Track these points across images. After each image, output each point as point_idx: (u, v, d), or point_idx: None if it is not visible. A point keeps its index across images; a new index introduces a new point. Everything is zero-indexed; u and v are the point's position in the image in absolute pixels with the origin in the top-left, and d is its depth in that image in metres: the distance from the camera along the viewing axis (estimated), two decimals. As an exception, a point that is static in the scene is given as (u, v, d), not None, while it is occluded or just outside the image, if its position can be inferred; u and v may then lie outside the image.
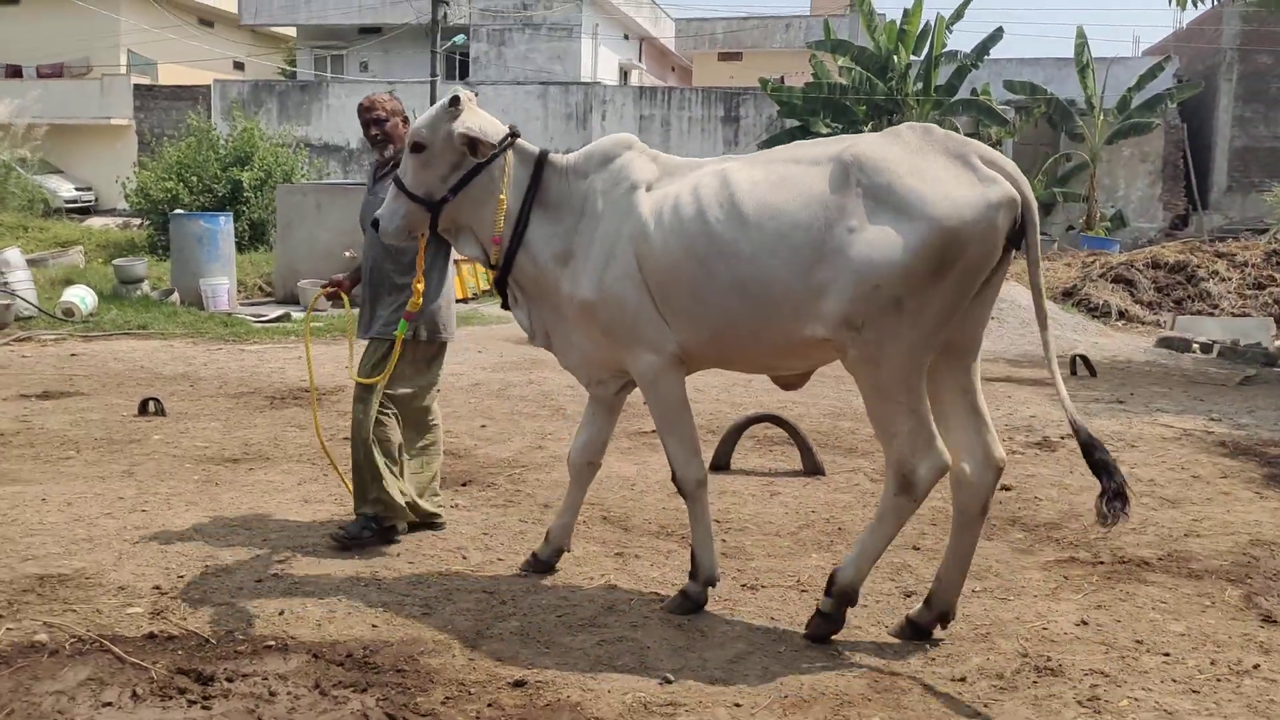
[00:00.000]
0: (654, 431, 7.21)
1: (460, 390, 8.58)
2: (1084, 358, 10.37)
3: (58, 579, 4.25)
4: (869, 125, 21.81)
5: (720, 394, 8.60)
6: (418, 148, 4.13)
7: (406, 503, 4.83)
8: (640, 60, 35.36)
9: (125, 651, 3.59)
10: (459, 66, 30.73)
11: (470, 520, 5.17)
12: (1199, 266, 15.68)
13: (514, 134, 4.18)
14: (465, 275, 15.13)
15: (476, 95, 4.37)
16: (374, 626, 3.89)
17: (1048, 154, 24.33)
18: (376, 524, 4.76)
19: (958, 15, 22.71)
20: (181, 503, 5.36)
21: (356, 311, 4.99)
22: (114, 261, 15.10)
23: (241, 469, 6.10)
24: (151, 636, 3.76)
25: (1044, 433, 7.37)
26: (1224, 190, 25.00)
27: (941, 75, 22.98)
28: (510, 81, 28.31)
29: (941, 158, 3.58)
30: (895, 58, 22.93)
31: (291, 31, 34.68)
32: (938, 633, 3.85)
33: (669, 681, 3.47)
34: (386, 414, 4.81)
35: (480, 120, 4.12)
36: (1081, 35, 22.90)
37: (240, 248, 16.76)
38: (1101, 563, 4.69)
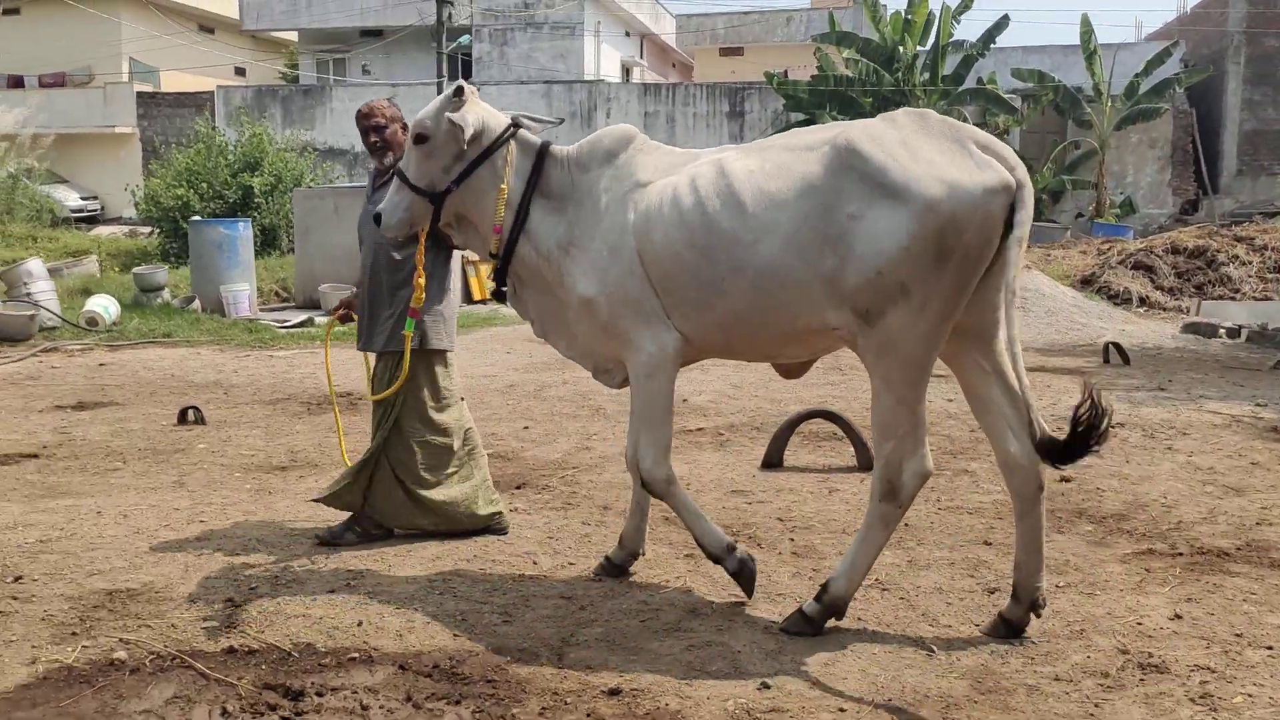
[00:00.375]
0: (699, 429, 7.21)
1: (496, 392, 8.51)
2: (1117, 345, 10.30)
3: (127, 594, 4.18)
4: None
5: (758, 390, 8.53)
6: (421, 139, 4.14)
7: (464, 512, 4.81)
8: (642, 57, 35.27)
9: (208, 667, 3.53)
10: (462, 67, 30.63)
11: (532, 524, 5.10)
12: (1219, 251, 15.61)
13: (516, 124, 4.19)
14: (483, 277, 15.06)
15: (479, 92, 4.37)
16: (455, 636, 3.81)
17: (1056, 141, 24.26)
18: (361, 526, 4.80)
19: (965, 5, 22.63)
20: (238, 512, 5.28)
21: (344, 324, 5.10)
22: (134, 270, 15.01)
23: (292, 476, 6.03)
24: (231, 650, 3.68)
25: (1091, 422, 7.28)
26: (1234, 174, 24.91)
27: (948, 65, 22.93)
28: (514, 81, 28.23)
29: (937, 142, 3.55)
30: (901, 48, 22.88)
31: (293, 36, 34.58)
32: (1032, 626, 3.78)
33: (766, 687, 3.41)
34: (421, 436, 4.76)
35: (482, 111, 4.14)
36: (1086, 23, 22.80)
37: (254, 253, 16.67)
38: (1180, 554, 4.63)
